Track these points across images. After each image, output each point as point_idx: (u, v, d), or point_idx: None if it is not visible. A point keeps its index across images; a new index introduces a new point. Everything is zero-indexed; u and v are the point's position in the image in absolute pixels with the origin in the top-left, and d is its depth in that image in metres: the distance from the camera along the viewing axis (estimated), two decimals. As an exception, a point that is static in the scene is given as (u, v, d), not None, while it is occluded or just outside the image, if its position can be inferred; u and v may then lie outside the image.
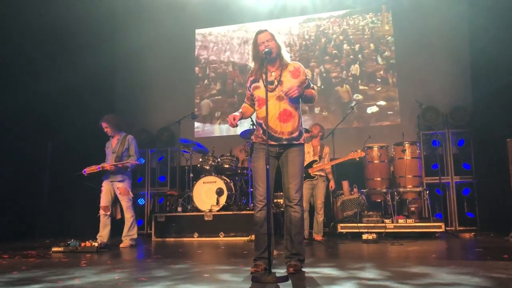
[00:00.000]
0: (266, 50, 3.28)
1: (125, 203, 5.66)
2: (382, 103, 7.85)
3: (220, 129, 8.60)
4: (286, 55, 3.44)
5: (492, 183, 6.49)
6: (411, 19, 7.90)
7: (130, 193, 5.74)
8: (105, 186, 5.69)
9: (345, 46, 8.26)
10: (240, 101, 8.41)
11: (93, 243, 5.05)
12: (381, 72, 7.99)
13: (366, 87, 8.01)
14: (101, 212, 5.61)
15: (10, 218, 6.47)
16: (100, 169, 5.57)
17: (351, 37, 8.27)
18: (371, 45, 8.14)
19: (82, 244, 5.05)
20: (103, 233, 5.55)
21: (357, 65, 8.12)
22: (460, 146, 7.33)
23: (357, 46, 8.20)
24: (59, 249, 5.02)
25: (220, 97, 8.72)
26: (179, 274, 3.29)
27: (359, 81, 8.05)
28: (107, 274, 3.36)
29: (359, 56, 8.15)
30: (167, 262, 3.96)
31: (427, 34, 7.74)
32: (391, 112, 7.82)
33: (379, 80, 7.98)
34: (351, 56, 8.18)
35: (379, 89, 7.93)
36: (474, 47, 7.04)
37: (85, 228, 7.06)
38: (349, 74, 8.11)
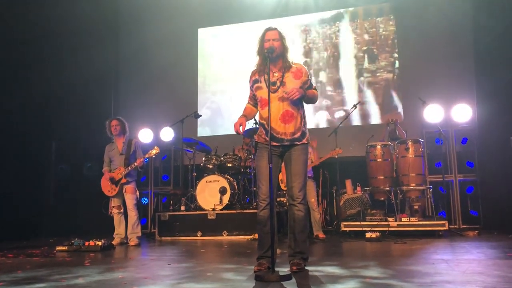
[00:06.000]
0: (268, 48, 3.28)
1: (131, 201, 5.86)
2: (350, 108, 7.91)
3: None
4: (291, 58, 3.43)
5: (496, 181, 6.46)
6: (414, 17, 7.87)
7: (137, 192, 5.98)
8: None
9: (314, 53, 8.40)
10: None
11: (97, 242, 5.07)
12: (348, 78, 8.18)
13: (333, 93, 8.18)
14: (115, 211, 5.88)
15: (15, 218, 6.50)
16: (121, 176, 5.81)
17: (319, 44, 8.39)
18: (339, 51, 8.28)
19: (86, 243, 5.07)
20: (120, 230, 5.86)
21: (324, 72, 8.28)
22: (463, 144, 7.28)
23: (325, 54, 8.34)
24: (63, 248, 5.05)
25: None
26: (183, 273, 3.30)
27: (327, 87, 8.21)
28: (111, 273, 3.37)
29: (327, 63, 8.30)
30: (171, 261, 3.97)
31: (430, 31, 7.70)
32: (357, 117, 7.97)
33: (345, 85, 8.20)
34: (320, 64, 8.33)
35: (345, 94, 8.13)
36: (478, 44, 7.00)
37: (89, 227, 7.10)
38: (317, 81, 8.25)
